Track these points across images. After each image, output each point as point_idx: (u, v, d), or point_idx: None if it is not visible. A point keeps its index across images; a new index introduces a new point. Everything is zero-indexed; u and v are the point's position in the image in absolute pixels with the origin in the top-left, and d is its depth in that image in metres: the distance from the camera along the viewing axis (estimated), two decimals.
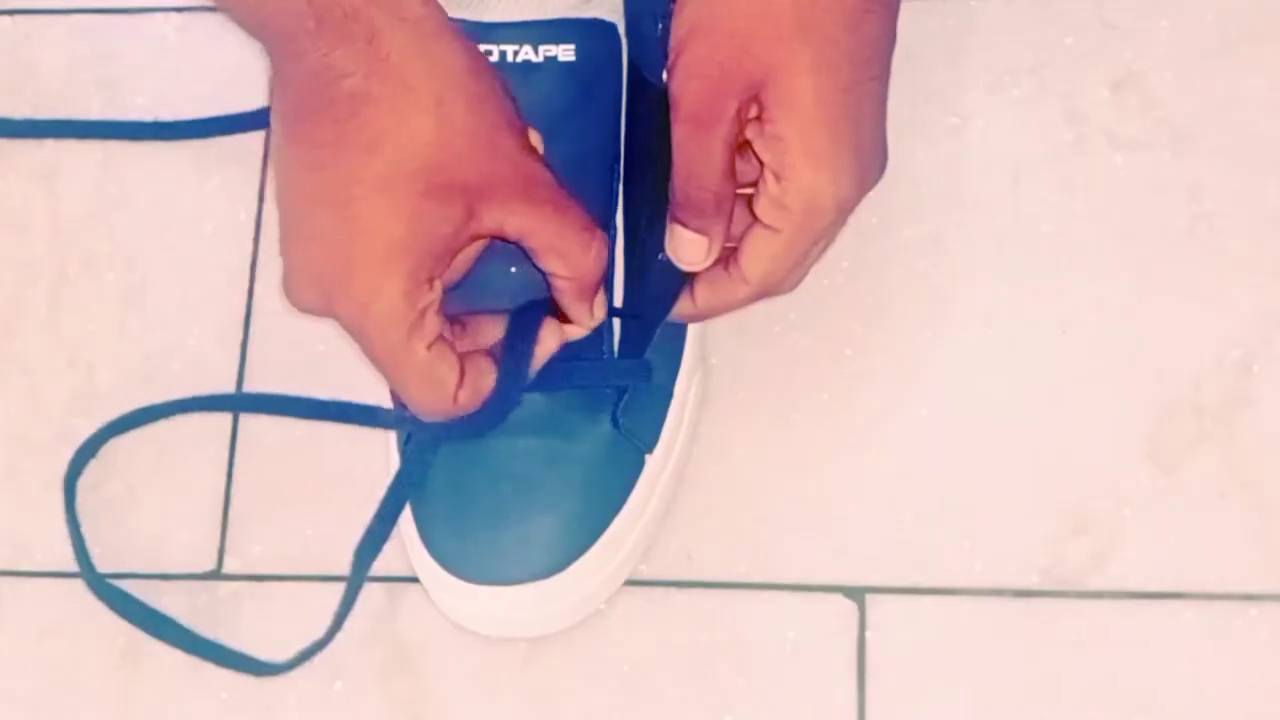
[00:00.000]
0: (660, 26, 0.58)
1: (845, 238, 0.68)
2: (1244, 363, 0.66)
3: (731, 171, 0.58)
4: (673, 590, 0.65)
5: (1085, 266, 0.67)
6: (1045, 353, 0.67)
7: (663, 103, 0.58)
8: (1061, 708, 0.62)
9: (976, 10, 0.71)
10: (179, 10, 0.76)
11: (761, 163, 0.58)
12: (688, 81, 0.57)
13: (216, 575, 0.68)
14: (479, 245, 0.58)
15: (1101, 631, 0.63)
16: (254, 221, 0.72)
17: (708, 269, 0.60)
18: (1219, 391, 0.65)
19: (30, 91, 0.76)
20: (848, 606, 0.64)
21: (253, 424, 0.69)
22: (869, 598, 0.64)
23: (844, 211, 0.59)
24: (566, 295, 0.59)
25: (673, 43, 0.57)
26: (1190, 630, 0.63)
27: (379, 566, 0.66)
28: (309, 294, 0.56)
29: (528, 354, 0.60)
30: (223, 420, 0.70)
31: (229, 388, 0.70)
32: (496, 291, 0.60)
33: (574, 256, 0.57)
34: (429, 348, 0.56)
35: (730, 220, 0.59)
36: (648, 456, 0.64)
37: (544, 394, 0.61)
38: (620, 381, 0.63)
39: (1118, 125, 0.69)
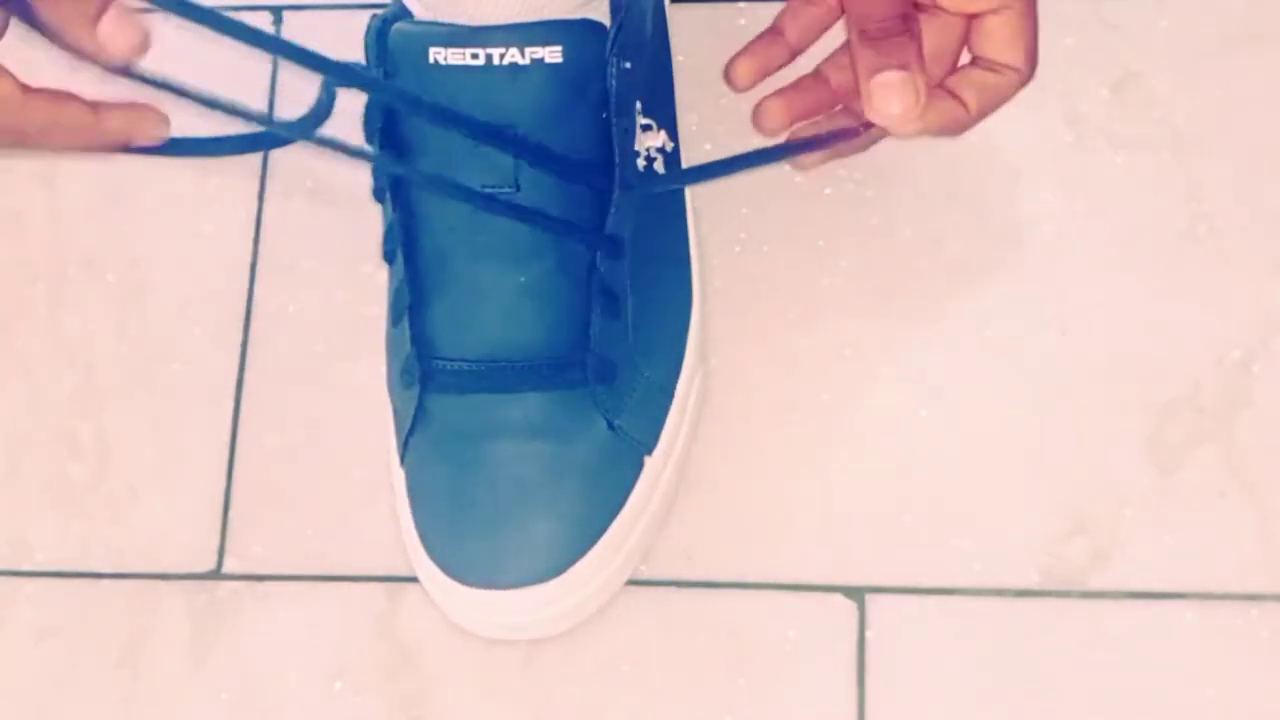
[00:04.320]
0: (628, 65, 0.59)
1: (845, 237, 0.69)
2: (1244, 363, 0.66)
3: None
4: (673, 590, 0.65)
5: (1085, 266, 0.67)
6: (1045, 353, 0.67)
7: None
8: (1061, 708, 0.62)
9: None
10: None
11: None
12: None
13: (216, 575, 0.68)
14: None
15: (1101, 631, 0.63)
16: (254, 221, 0.73)
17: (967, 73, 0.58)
18: (1219, 391, 0.65)
19: None
20: (848, 606, 0.64)
21: (253, 424, 0.70)
22: (869, 598, 0.64)
23: None
24: None
25: None
26: (1190, 630, 0.63)
27: (379, 567, 0.66)
28: None
29: None
30: (223, 420, 0.70)
31: (229, 388, 0.70)
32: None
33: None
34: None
35: (920, 47, 0.55)
36: (647, 458, 0.64)
37: (542, 395, 0.61)
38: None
39: (1118, 125, 0.69)
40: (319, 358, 0.70)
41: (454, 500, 0.62)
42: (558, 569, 0.62)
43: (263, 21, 0.75)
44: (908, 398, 0.67)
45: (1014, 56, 0.59)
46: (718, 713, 0.64)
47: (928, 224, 0.69)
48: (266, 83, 0.74)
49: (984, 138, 0.69)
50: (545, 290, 0.61)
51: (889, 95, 0.55)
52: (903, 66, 0.55)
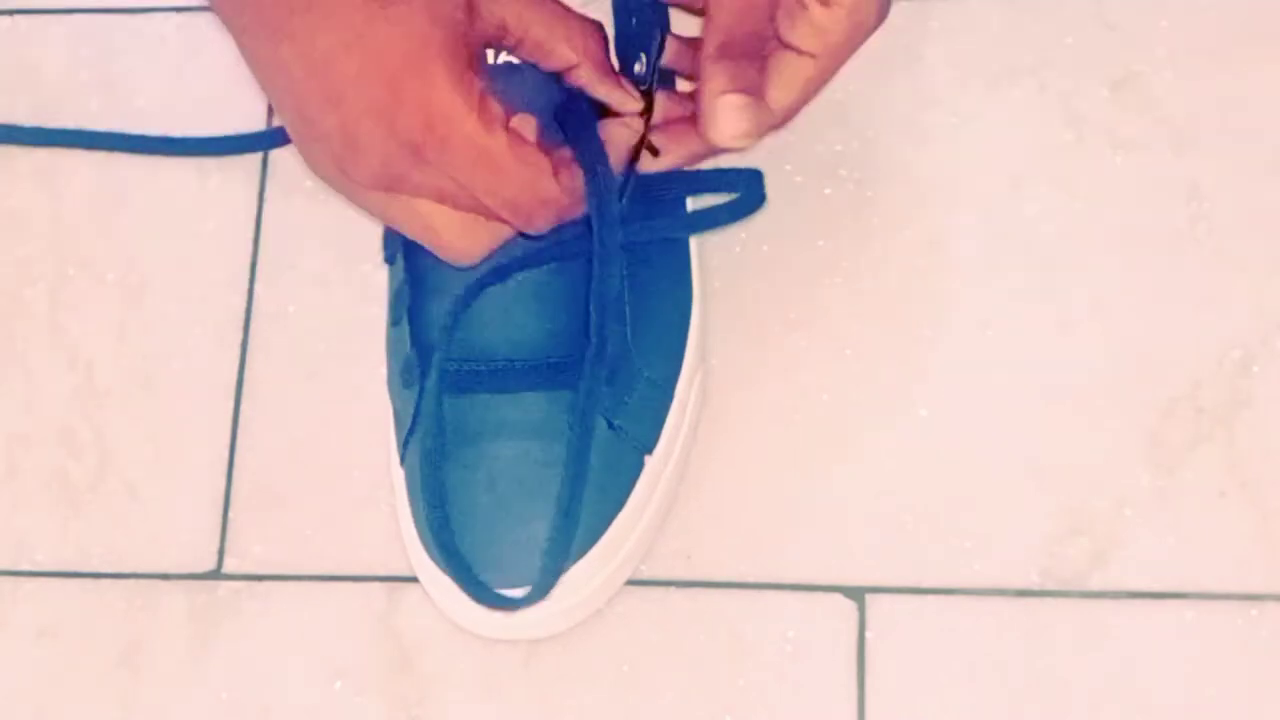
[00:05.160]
0: (634, 21, 0.59)
1: (845, 237, 0.68)
2: (1244, 363, 0.66)
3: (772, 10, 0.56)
4: (672, 590, 0.65)
5: (1085, 266, 0.67)
6: (1045, 353, 0.67)
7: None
8: (1061, 708, 0.62)
9: (976, 10, 0.71)
10: (179, 10, 0.76)
11: None
12: None
13: (216, 575, 0.68)
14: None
15: (1101, 631, 0.63)
16: (254, 221, 0.72)
17: (734, 101, 0.57)
18: (1219, 391, 0.65)
19: (30, 92, 0.76)
20: (848, 606, 0.64)
21: (253, 424, 0.70)
22: (869, 598, 0.64)
23: (871, 33, 0.58)
24: (591, 83, 0.58)
25: None
26: (1190, 630, 0.63)
27: (379, 567, 0.66)
28: (372, 136, 0.54)
29: (595, 140, 0.58)
30: (223, 420, 0.70)
31: (229, 388, 0.70)
32: None
33: (576, 37, 0.56)
34: (506, 130, 0.55)
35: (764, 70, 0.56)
36: (647, 458, 0.64)
37: (543, 395, 0.61)
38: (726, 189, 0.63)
39: (1118, 125, 0.69)
40: (319, 358, 0.70)
41: (454, 499, 0.62)
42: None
43: None
44: (908, 398, 0.67)
45: (782, 98, 0.58)
46: (718, 713, 0.64)
47: (928, 224, 0.69)
48: None
49: (984, 138, 0.69)
50: (548, 289, 0.61)
51: (732, 119, 0.57)
52: (749, 92, 0.56)
